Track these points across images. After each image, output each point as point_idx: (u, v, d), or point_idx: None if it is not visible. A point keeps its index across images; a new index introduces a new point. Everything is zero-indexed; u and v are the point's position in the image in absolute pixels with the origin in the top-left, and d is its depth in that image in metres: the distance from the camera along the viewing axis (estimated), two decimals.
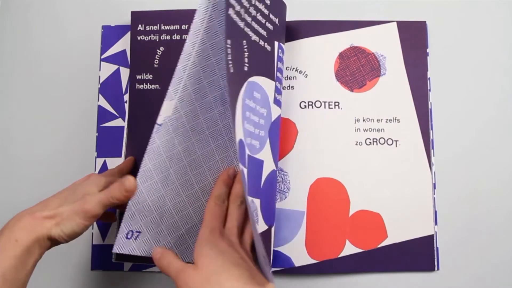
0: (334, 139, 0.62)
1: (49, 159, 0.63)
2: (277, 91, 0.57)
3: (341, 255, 0.59)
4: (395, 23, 0.64)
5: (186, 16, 0.62)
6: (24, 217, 0.45)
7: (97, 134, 0.63)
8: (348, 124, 0.62)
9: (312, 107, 0.62)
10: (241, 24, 0.47)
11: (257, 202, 0.50)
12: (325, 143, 0.61)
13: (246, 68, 0.48)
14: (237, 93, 0.46)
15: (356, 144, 0.62)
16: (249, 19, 0.49)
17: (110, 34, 0.65)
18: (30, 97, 0.65)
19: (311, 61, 0.63)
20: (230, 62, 0.43)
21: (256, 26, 0.50)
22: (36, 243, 0.45)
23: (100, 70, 0.64)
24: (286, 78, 0.63)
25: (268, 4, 0.53)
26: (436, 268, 0.60)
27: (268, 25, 0.53)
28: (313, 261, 0.59)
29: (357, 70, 0.63)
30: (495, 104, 0.64)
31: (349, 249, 0.59)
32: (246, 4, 0.48)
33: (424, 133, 0.62)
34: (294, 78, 0.63)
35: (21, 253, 0.44)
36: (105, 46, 0.65)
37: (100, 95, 0.64)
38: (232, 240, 0.49)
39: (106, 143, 0.62)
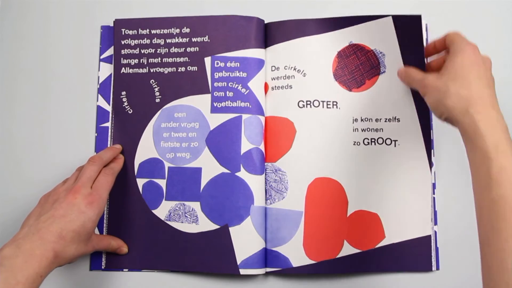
0: (332, 139, 0.61)
1: (49, 159, 0.64)
2: (217, 100, 0.62)
3: (339, 255, 0.59)
4: (390, 17, 0.62)
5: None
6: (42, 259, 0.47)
7: (96, 134, 0.63)
8: (346, 124, 0.61)
9: (310, 107, 0.61)
10: (145, 70, 0.63)
11: (195, 204, 0.60)
12: (323, 143, 0.61)
13: (158, 100, 0.62)
14: (145, 123, 0.62)
15: (354, 144, 0.61)
16: (156, 60, 0.63)
17: (109, 34, 0.65)
18: (30, 97, 0.65)
19: (310, 60, 0.62)
20: (126, 107, 0.62)
21: (170, 60, 0.63)
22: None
23: (99, 70, 0.65)
24: (284, 78, 0.62)
25: (188, 32, 0.63)
26: (433, 268, 0.59)
27: (191, 49, 0.63)
28: (311, 262, 0.59)
29: (356, 68, 0.62)
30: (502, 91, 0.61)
31: (347, 250, 0.59)
32: (148, 51, 0.63)
33: (425, 132, 0.61)
34: (292, 77, 0.62)
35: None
36: (104, 46, 0.65)
37: (99, 95, 0.64)
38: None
39: (105, 143, 0.63)
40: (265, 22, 0.64)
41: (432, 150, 0.61)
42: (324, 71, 0.62)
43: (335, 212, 0.60)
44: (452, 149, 0.62)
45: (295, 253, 0.59)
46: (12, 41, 0.67)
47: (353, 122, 0.61)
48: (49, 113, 0.65)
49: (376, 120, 0.61)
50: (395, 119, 0.61)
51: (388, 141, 0.61)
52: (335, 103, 0.62)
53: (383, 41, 0.62)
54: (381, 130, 0.61)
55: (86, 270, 0.61)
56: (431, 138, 0.61)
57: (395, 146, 0.61)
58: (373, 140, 0.61)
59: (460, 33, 0.54)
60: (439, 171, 0.61)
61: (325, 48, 0.63)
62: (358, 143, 0.61)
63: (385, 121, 0.61)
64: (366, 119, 0.61)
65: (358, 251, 0.59)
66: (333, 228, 0.59)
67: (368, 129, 0.61)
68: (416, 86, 0.56)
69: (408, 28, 0.61)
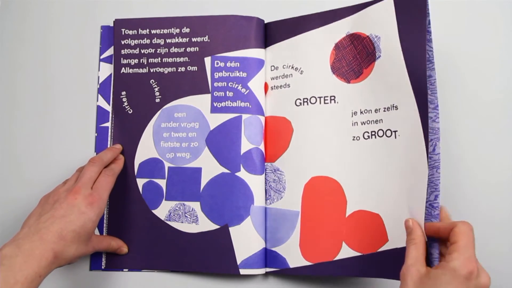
0: (330, 135, 0.59)
1: (49, 159, 0.64)
2: (216, 100, 0.62)
3: (337, 258, 0.57)
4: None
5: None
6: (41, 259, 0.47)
7: (96, 134, 0.64)
8: (344, 118, 0.59)
9: (307, 104, 0.61)
10: (145, 70, 0.63)
11: (195, 204, 0.60)
12: (321, 140, 0.60)
13: (158, 100, 0.62)
14: (145, 123, 0.62)
15: (353, 139, 0.58)
16: (156, 60, 0.63)
17: (109, 34, 0.66)
18: (29, 97, 0.65)
19: (307, 57, 0.62)
20: (126, 107, 0.62)
21: (170, 60, 0.63)
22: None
23: (99, 70, 0.65)
24: (282, 77, 0.62)
25: (188, 32, 0.63)
26: None
27: (191, 49, 0.63)
28: (307, 263, 0.58)
29: (354, 58, 0.60)
30: (503, 90, 0.62)
31: (346, 252, 0.57)
32: (148, 51, 0.63)
33: (424, 122, 0.52)
34: (290, 76, 0.62)
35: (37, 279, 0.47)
36: (104, 46, 0.66)
37: (99, 95, 0.64)
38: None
39: (105, 143, 0.63)
40: (265, 22, 0.64)
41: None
42: (321, 66, 0.61)
43: (332, 212, 0.58)
44: (455, 143, 0.61)
45: (292, 253, 0.58)
46: (12, 41, 0.67)
47: (352, 116, 0.59)
48: (49, 113, 0.65)
49: (376, 110, 0.57)
50: (393, 107, 0.56)
51: (389, 133, 0.56)
52: (333, 98, 0.60)
53: (380, 24, 0.58)
54: (380, 121, 0.57)
55: (86, 270, 0.61)
56: None
57: (395, 137, 0.56)
58: (373, 133, 0.57)
59: (471, 235, 0.46)
60: (441, 168, 0.59)
61: (322, 41, 0.61)
62: (358, 138, 0.58)
63: (384, 111, 0.57)
64: (365, 111, 0.58)
65: (358, 254, 0.56)
66: (331, 229, 0.58)
67: (368, 122, 0.58)
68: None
69: (410, 8, 0.56)
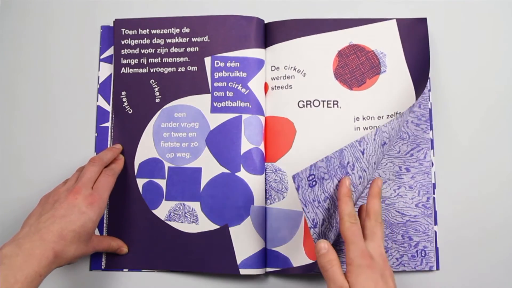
0: (333, 138, 0.61)
1: (49, 159, 0.64)
2: (216, 100, 0.62)
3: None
4: (394, 20, 0.63)
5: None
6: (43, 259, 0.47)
7: (96, 134, 0.64)
8: (347, 122, 0.61)
9: (311, 106, 0.61)
10: (145, 70, 0.63)
11: (195, 204, 0.60)
12: (324, 142, 0.61)
13: (158, 100, 0.62)
14: (145, 123, 0.62)
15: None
16: (156, 60, 0.63)
17: (109, 34, 0.66)
18: (30, 97, 0.65)
19: (310, 60, 0.63)
20: (126, 107, 0.62)
21: (170, 60, 0.63)
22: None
23: (99, 70, 0.65)
24: (284, 77, 0.62)
25: (188, 32, 0.63)
26: (436, 268, 0.59)
27: (191, 49, 0.63)
28: (311, 261, 0.58)
29: (356, 68, 0.62)
30: (497, 102, 0.63)
31: None
32: (148, 51, 0.63)
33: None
34: (293, 77, 0.62)
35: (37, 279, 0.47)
36: (104, 46, 0.66)
37: (99, 95, 0.64)
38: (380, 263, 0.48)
39: (105, 143, 0.63)
40: (265, 22, 0.64)
41: (432, 150, 0.61)
42: (324, 70, 0.62)
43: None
44: (452, 149, 0.62)
45: (295, 253, 0.59)
46: (12, 41, 0.67)
47: (354, 121, 0.61)
48: (49, 113, 0.65)
49: (379, 117, 0.61)
50: (397, 114, 0.61)
51: None
52: (335, 102, 0.61)
53: (385, 42, 0.62)
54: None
55: (86, 270, 0.61)
56: (431, 138, 0.61)
57: None
58: None
59: (354, 233, 0.48)
60: (439, 171, 0.61)
61: (325, 47, 0.63)
62: None
63: (387, 117, 0.61)
64: (368, 117, 0.61)
65: None
66: None
67: (371, 127, 0.61)
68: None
69: (412, 30, 0.62)
